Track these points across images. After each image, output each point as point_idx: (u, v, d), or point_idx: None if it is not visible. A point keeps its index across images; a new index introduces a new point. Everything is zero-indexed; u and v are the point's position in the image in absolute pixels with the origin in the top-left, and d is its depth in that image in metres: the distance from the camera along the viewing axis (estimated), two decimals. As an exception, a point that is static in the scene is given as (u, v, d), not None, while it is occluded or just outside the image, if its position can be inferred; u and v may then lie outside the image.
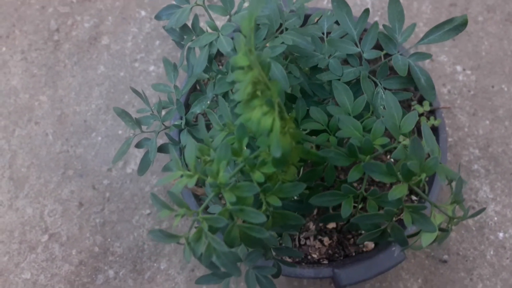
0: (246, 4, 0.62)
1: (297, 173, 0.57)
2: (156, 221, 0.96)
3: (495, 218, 0.94)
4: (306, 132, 0.65)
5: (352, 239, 0.86)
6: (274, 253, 0.64)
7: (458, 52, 1.07)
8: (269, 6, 0.59)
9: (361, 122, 0.59)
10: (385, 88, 0.64)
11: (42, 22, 1.14)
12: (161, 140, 1.00)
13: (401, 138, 0.58)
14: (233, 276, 0.55)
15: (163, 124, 0.70)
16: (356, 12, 1.08)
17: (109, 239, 0.95)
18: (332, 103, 0.67)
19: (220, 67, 0.96)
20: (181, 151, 0.70)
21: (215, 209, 0.61)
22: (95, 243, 0.95)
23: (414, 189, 0.55)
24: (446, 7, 1.12)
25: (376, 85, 0.64)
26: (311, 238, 0.86)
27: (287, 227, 0.56)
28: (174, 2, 0.63)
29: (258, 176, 0.50)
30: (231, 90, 0.63)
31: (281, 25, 0.64)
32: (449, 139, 0.99)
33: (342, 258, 0.85)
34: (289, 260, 0.83)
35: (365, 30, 0.65)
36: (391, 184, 0.88)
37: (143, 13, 1.14)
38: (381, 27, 0.65)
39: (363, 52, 0.64)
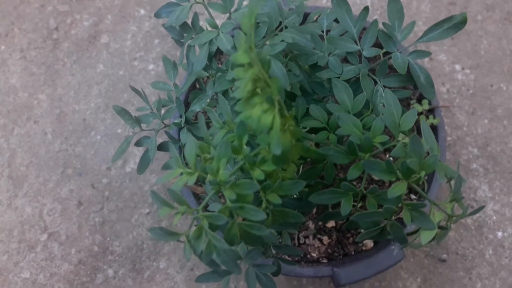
0: (246, 2, 0.62)
1: (296, 171, 0.57)
2: (155, 220, 0.96)
3: (494, 217, 0.94)
4: (306, 130, 0.65)
5: (352, 238, 0.86)
6: (274, 251, 0.64)
7: (457, 51, 1.07)
8: (269, 3, 0.59)
9: (361, 120, 0.59)
10: (384, 86, 0.64)
11: (41, 21, 1.14)
12: (161, 138, 1.00)
13: (400, 136, 0.58)
14: (233, 274, 0.55)
15: (162, 122, 0.70)
16: (356, 11, 1.08)
17: (108, 238, 0.95)
18: (331, 101, 0.67)
19: (220, 65, 0.96)
20: (181, 149, 0.70)
21: (215, 207, 0.61)
22: (94, 242, 0.95)
23: (414, 187, 0.55)
24: (445, 6, 1.12)
25: (375, 83, 0.64)
26: (311, 237, 0.86)
27: (286, 225, 0.56)
28: (173, 0, 0.63)
29: (258, 173, 0.50)
30: (231, 88, 0.63)
31: (280, 23, 0.64)
32: (448, 138, 1.00)
33: (341, 257, 0.85)
34: (288, 259, 0.83)
35: (364, 29, 0.65)
36: (390, 183, 0.88)
37: (142, 11, 1.14)
38: (380, 25, 0.65)
39: (362, 50, 0.64)
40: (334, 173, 0.60)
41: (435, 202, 0.56)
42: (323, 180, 0.61)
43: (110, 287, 0.92)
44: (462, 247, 0.92)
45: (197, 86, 0.95)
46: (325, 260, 0.84)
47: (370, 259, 0.79)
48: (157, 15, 0.63)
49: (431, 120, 0.90)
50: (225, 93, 0.62)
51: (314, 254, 0.85)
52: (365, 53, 0.64)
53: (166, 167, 0.67)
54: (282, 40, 0.61)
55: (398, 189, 0.52)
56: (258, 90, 0.47)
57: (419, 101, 0.94)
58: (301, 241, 0.86)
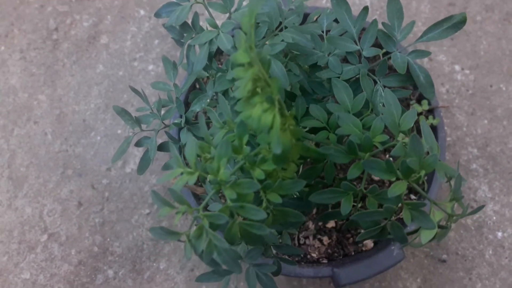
0: (246, 2, 0.62)
1: (296, 171, 0.57)
2: (155, 220, 0.96)
3: (494, 218, 0.94)
4: (306, 129, 0.65)
5: (352, 239, 0.86)
6: (274, 251, 0.64)
7: (457, 52, 1.07)
8: (269, 3, 0.59)
9: (361, 120, 0.59)
10: (384, 86, 0.64)
11: (41, 21, 1.14)
12: (160, 139, 1.00)
13: (400, 136, 0.58)
14: (234, 274, 0.55)
15: (162, 122, 0.70)
16: (355, 11, 1.08)
17: (108, 239, 0.95)
18: (331, 101, 0.67)
19: (220, 65, 0.96)
20: (181, 149, 0.70)
21: (215, 207, 0.61)
22: (95, 242, 0.95)
23: (414, 187, 0.55)
24: (444, 7, 1.12)
25: (375, 83, 0.64)
26: (311, 238, 0.86)
27: (287, 224, 0.56)
28: (173, 0, 0.63)
29: (258, 173, 0.50)
30: (231, 88, 0.63)
31: (280, 23, 0.64)
32: (448, 139, 1.00)
33: (341, 257, 0.85)
34: (288, 258, 0.83)
35: (363, 29, 0.65)
36: (390, 184, 0.88)
37: (142, 12, 1.15)
38: (380, 25, 0.65)
39: (362, 50, 0.65)
40: (334, 173, 0.60)
41: (435, 202, 0.56)
42: (323, 180, 0.61)
43: (110, 288, 0.92)
44: (462, 248, 0.92)
45: (197, 86, 0.95)
46: (325, 261, 0.84)
47: (370, 259, 0.79)
48: (157, 15, 0.63)
49: (430, 120, 0.90)
50: (225, 93, 0.63)
51: (314, 255, 0.85)
52: (364, 53, 0.64)
53: (166, 167, 0.67)
54: (282, 40, 0.61)
55: (398, 188, 0.52)
56: (258, 90, 0.47)
57: (419, 101, 0.94)
58: (301, 242, 0.86)
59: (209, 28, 0.62)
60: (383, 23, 0.63)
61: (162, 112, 0.70)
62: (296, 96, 0.64)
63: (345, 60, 0.67)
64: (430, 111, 0.92)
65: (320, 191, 0.57)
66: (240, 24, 0.48)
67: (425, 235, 0.54)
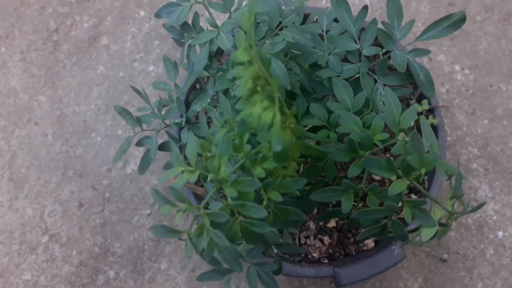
0: (246, 2, 0.63)
1: (297, 170, 0.57)
2: (156, 221, 0.96)
3: (495, 217, 0.94)
4: (306, 128, 0.65)
5: (352, 238, 0.86)
6: (275, 251, 0.64)
7: (457, 52, 1.08)
8: (269, 3, 0.60)
9: (361, 118, 0.59)
10: (384, 85, 0.64)
11: (41, 22, 1.14)
12: (161, 139, 1.00)
13: (400, 136, 0.58)
14: (235, 273, 0.55)
15: (163, 122, 0.70)
16: (355, 12, 1.08)
17: (109, 240, 0.95)
18: (332, 100, 0.67)
19: (220, 65, 0.96)
20: (182, 149, 0.70)
21: (216, 206, 0.61)
22: (96, 243, 0.95)
23: (414, 185, 0.55)
24: (444, 7, 1.12)
25: (375, 81, 0.64)
26: (311, 237, 0.86)
27: (288, 223, 0.56)
28: (174, 0, 0.63)
29: (259, 171, 0.50)
30: (231, 87, 0.63)
31: (280, 22, 0.65)
32: (448, 138, 1.00)
33: (342, 257, 0.85)
34: (289, 258, 0.83)
35: (363, 29, 0.66)
36: (390, 183, 0.88)
37: (142, 13, 1.15)
38: (380, 25, 0.65)
39: (362, 49, 0.65)
40: (335, 171, 0.60)
41: (435, 200, 0.56)
42: (323, 178, 0.61)
43: (111, 288, 0.92)
44: (463, 247, 0.92)
45: (197, 87, 0.95)
46: (326, 260, 0.84)
47: (371, 259, 0.79)
48: (157, 15, 0.63)
49: (431, 120, 0.91)
50: (225, 92, 0.63)
51: (315, 254, 0.85)
52: (364, 52, 0.65)
53: (167, 166, 0.67)
54: (283, 39, 0.61)
55: (399, 186, 0.52)
56: (259, 88, 0.47)
57: (419, 101, 0.94)
58: (302, 242, 0.86)
59: (209, 28, 0.62)
60: (382, 22, 0.63)
61: (163, 112, 0.70)
62: (297, 95, 0.64)
63: (345, 59, 0.67)
64: (430, 111, 0.92)
65: (321, 189, 0.57)
66: (240, 24, 0.48)
67: (426, 233, 0.54)
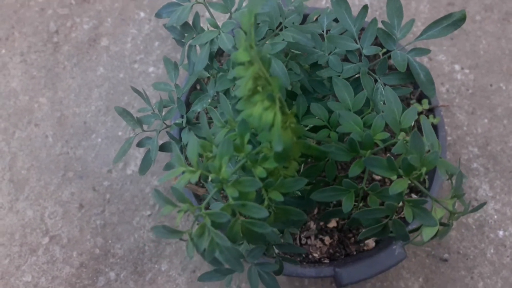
0: (246, 2, 0.63)
1: (297, 170, 0.57)
2: (156, 222, 0.96)
3: (495, 216, 0.94)
4: (307, 128, 0.65)
5: (353, 238, 0.86)
6: (276, 251, 0.64)
7: (456, 51, 1.08)
8: (269, 3, 0.60)
9: (362, 118, 0.59)
10: (384, 84, 0.64)
11: (41, 24, 1.14)
12: (161, 140, 1.00)
13: (400, 135, 0.58)
14: (236, 273, 0.55)
15: (164, 123, 0.70)
16: (354, 12, 1.08)
17: (109, 241, 0.95)
18: (332, 99, 0.67)
19: (220, 66, 0.96)
20: (182, 149, 0.70)
21: (216, 206, 0.61)
22: (96, 245, 0.95)
23: (415, 184, 0.55)
24: (444, 6, 1.12)
25: (375, 81, 0.64)
26: (312, 238, 0.86)
27: (289, 223, 0.56)
28: (174, 0, 0.63)
29: (260, 171, 0.50)
30: (232, 87, 0.63)
31: (280, 23, 0.65)
32: (448, 138, 1.00)
33: (343, 257, 0.85)
34: (291, 258, 0.83)
35: (362, 29, 0.66)
36: (391, 183, 0.88)
37: (142, 14, 1.15)
38: (380, 24, 0.65)
39: (362, 49, 0.65)
40: (336, 171, 0.60)
41: (436, 199, 0.56)
42: (324, 178, 0.61)
43: (112, 290, 0.92)
44: (464, 247, 0.92)
45: (198, 87, 0.95)
46: (327, 261, 0.84)
47: (372, 258, 0.79)
48: (158, 15, 0.63)
49: (431, 119, 0.91)
50: (226, 92, 0.63)
51: (316, 255, 0.85)
52: (365, 52, 0.65)
53: (168, 167, 0.67)
54: (283, 39, 0.61)
55: (400, 185, 0.53)
56: (259, 88, 0.47)
57: (419, 101, 0.94)
58: (303, 242, 0.86)
59: (210, 28, 0.62)
60: (383, 22, 0.63)
61: (164, 112, 0.70)
62: (297, 95, 0.64)
63: (345, 59, 0.67)
64: (431, 111, 0.92)
65: (322, 189, 0.57)
66: (240, 24, 0.48)
67: (427, 233, 0.54)
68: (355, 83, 0.64)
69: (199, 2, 0.62)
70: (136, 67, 1.09)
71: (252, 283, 0.58)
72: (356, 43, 0.65)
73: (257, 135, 0.51)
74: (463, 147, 0.99)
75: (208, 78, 0.90)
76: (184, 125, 0.69)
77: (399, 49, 0.64)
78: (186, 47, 0.65)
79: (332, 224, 0.87)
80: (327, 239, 0.86)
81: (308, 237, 0.86)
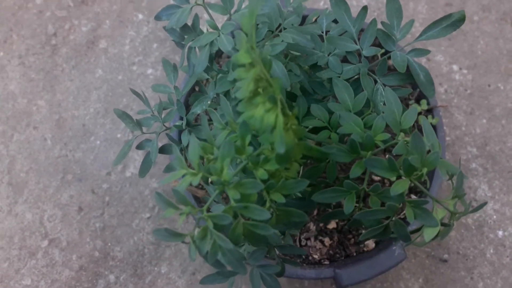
0: (245, 4, 0.63)
1: (297, 172, 0.57)
2: (156, 224, 0.96)
3: (494, 217, 0.94)
4: (307, 129, 0.65)
5: (353, 239, 0.86)
6: (277, 252, 0.64)
7: (454, 52, 1.08)
8: (269, 4, 0.60)
9: (362, 119, 0.59)
10: (384, 85, 0.64)
11: (39, 27, 1.14)
12: (160, 142, 1.00)
13: (400, 136, 0.58)
14: (239, 274, 0.55)
15: (163, 125, 0.70)
16: (353, 12, 1.08)
17: (109, 244, 0.95)
18: (332, 100, 0.67)
19: (220, 68, 0.96)
20: (182, 151, 0.70)
21: (217, 208, 0.61)
22: (95, 247, 0.95)
23: (415, 185, 0.55)
24: (441, 7, 1.12)
25: (375, 82, 0.65)
26: (312, 239, 0.86)
27: (290, 224, 0.56)
28: (173, 3, 0.63)
29: (261, 173, 0.50)
30: (232, 89, 0.63)
31: (279, 24, 0.65)
32: (447, 138, 1.00)
33: (343, 258, 0.85)
34: (292, 259, 0.83)
35: (362, 30, 0.66)
36: (391, 184, 0.88)
37: (140, 16, 1.15)
38: (379, 25, 0.65)
39: (362, 50, 0.65)
40: (336, 172, 0.60)
41: (437, 199, 0.56)
42: (325, 179, 0.61)
43: (111, 292, 0.91)
44: (463, 247, 0.92)
45: (197, 89, 0.95)
46: (326, 262, 0.84)
47: (371, 259, 0.79)
48: (157, 17, 0.63)
49: (429, 120, 0.91)
50: (226, 94, 0.63)
51: (315, 256, 0.85)
52: (364, 52, 0.65)
53: (168, 169, 0.67)
54: (282, 41, 0.61)
55: (401, 186, 0.53)
56: (260, 90, 0.47)
57: (418, 101, 0.94)
58: (303, 243, 0.86)
59: (210, 30, 0.62)
60: (382, 22, 0.64)
61: (163, 114, 0.70)
62: (297, 96, 0.64)
63: (345, 60, 0.67)
64: (429, 111, 0.93)
65: (323, 190, 0.57)
66: (240, 26, 0.48)
67: (428, 233, 0.54)
68: (355, 84, 0.64)
69: (199, 4, 0.62)
70: (135, 69, 1.09)
71: (254, 285, 0.58)
72: (356, 44, 0.65)
73: (257, 136, 0.51)
74: (461, 148, 0.99)
75: (207, 80, 0.90)
76: (184, 127, 0.69)
77: (399, 50, 0.64)
78: (186, 49, 0.65)
79: (332, 225, 0.87)
80: (327, 240, 0.86)
81: (308, 239, 0.86)
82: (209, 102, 0.68)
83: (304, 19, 0.74)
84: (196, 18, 0.65)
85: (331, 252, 0.85)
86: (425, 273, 0.90)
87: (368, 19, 1.10)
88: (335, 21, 0.68)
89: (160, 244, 0.94)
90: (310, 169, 0.59)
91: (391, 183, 0.88)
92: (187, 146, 0.67)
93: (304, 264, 0.84)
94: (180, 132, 0.71)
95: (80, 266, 0.93)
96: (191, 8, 0.61)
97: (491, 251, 0.92)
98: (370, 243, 0.86)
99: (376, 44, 0.67)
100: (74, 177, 1.00)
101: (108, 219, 0.96)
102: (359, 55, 0.66)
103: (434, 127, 0.89)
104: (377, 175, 0.89)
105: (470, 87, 1.05)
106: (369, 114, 0.61)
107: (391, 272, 0.91)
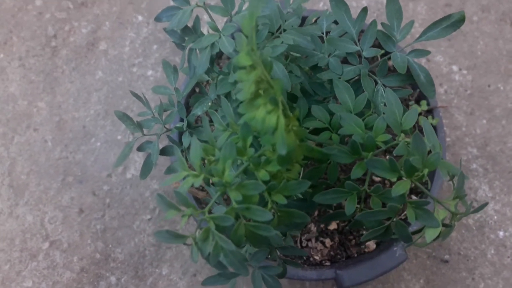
0: (246, 5, 0.63)
1: (299, 173, 0.57)
2: (157, 226, 0.96)
3: (495, 217, 0.94)
4: (308, 130, 0.65)
5: (354, 240, 0.86)
6: (279, 253, 0.64)
7: (454, 52, 1.08)
8: (269, 6, 0.60)
9: (363, 120, 0.60)
10: (384, 86, 0.64)
11: (39, 28, 1.14)
12: (160, 144, 1.00)
13: (401, 137, 0.58)
14: (240, 276, 0.55)
15: (164, 126, 0.70)
16: (353, 14, 1.08)
17: (110, 245, 0.95)
18: (333, 102, 0.67)
19: (220, 69, 0.96)
20: (183, 153, 0.70)
21: (218, 210, 0.61)
22: (96, 249, 0.95)
23: (416, 185, 0.55)
24: (441, 7, 1.13)
25: (375, 83, 0.65)
26: (313, 240, 0.86)
27: (292, 225, 0.56)
28: (173, 4, 0.63)
29: (263, 174, 0.50)
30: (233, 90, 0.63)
31: (280, 25, 0.65)
32: (447, 139, 1.00)
33: (344, 259, 0.85)
34: (294, 260, 0.83)
35: (362, 31, 0.66)
36: (391, 185, 0.88)
37: (140, 18, 1.15)
38: (379, 26, 0.65)
39: (362, 51, 0.65)
40: (338, 173, 0.60)
41: (438, 200, 0.56)
42: (326, 180, 0.62)
43: (113, 294, 0.91)
44: (464, 248, 0.92)
45: (197, 90, 0.95)
46: (328, 263, 0.84)
47: (373, 260, 0.79)
48: (157, 19, 0.63)
49: (430, 120, 0.91)
50: (227, 95, 0.63)
51: (317, 257, 0.85)
52: (365, 54, 0.65)
53: (169, 171, 0.67)
54: (282, 42, 0.61)
55: (402, 187, 0.53)
56: (261, 92, 0.47)
57: (418, 102, 0.94)
58: (304, 244, 0.86)
59: (210, 32, 0.62)
60: (382, 24, 0.64)
61: (164, 116, 0.70)
62: (298, 98, 0.64)
63: (345, 61, 0.67)
64: (429, 112, 0.93)
65: (324, 191, 0.57)
66: (240, 27, 0.48)
67: (430, 234, 0.54)
68: (356, 85, 0.64)
69: (199, 6, 0.62)
70: (135, 71, 1.09)
71: (255, 287, 0.58)
72: (356, 45, 0.65)
73: (259, 138, 0.51)
74: (462, 148, 1.00)
75: (208, 81, 0.90)
76: (184, 128, 0.69)
77: (399, 51, 0.64)
78: (186, 51, 0.65)
79: (333, 226, 0.87)
80: (327, 241, 0.86)
81: (309, 240, 0.86)
82: (209, 104, 0.68)
83: (303, 20, 0.74)
84: (197, 19, 0.65)
85: (332, 253, 0.85)
86: (426, 273, 0.90)
87: (367, 20, 1.10)
88: (335, 22, 0.68)
89: (161, 246, 0.94)
90: (311, 170, 0.59)
91: (392, 184, 0.88)
92: (188, 147, 0.67)
93: (305, 265, 0.84)
94: (180, 133, 0.71)
95: (81, 268, 0.93)
96: (192, 9, 0.61)
97: (492, 251, 0.92)
98: (371, 244, 0.86)
99: (376, 45, 0.67)
100: (75, 179, 1.00)
101: (109, 221, 0.96)
102: (359, 56, 0.66)
103: (434, 127, 0.89)
104: (378, 176, 0.89)
105: (470, 87, 1.05)
106: (370, 115, 0.61)
107: (392, 273, 0.91)
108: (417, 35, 0.75)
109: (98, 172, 1.00)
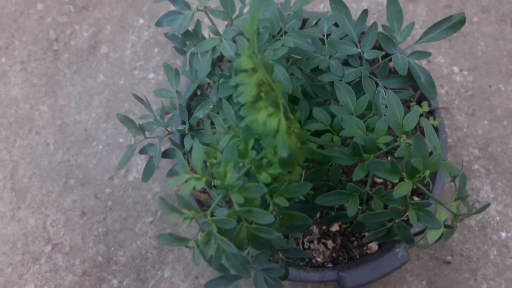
0: (247, 9, 0.63)
1: (300, 175, 0.57)
2: (159, 228, 0.96)
3: (497, 218, 0.94)
4: (310, 133, 0.65)
5: (356, 242, 0.86)
6: (281, 255, 0.64)
7: (455, 53, 1.08)
8: (270, 9, 0.60)
9: (364, 122, 0.60)
10: (385, 88, 0.65)
11: (41, 32, 1.15)
12: (162, 147, 1.00)
13: (402, 139, 0.59)
14: (242, 278, 0.55)
15: (166, 129, 0.70)
16: (353, 16, 1.09)
17: (112, 248, 0.95)
18: (334, 104, 0.67)
19: (221, 72, 0.96)
20: (185, 156, 0.70)
21: (220, 212, 0.62)
22: (99, 252, 0.95)
23: (418, 187, 0.55)
24: (441, 9, 1.13)
25: (376, 84, 0.65)
26: (315, 242, 0.86)
27: (294, 227, 0.56)
28: (174, 9, 0.63)
29: (264, 177, 0.50)
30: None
31: (280, 28, 0.65)
32: (449, 140, 1.00)
33: (346, 261, 0.85)
34: (296, 262, 0.83)
35: (362, 33, 0.66)
36: (393, 186, 0.88)
37: (141, 21, 1.15)
38: (380, 28, 0.66)
39: (363, 53, 0.65)
40: (339, 175, 0.60)
41: (440, 201, 0.56)
42: (327, 182, 0.62)
43: (115, 297, 0.92)
44: (467, 249, 0.92)
45: (198, 93, 0.96)
46: (330, 265, 0.84)
47: (375, 262, 0.79)
48: (158, 23, 0.64)
49: (431, 121, 0.91)
50: (229, 98, 0.63)
51: (319, 259, 0.85)
52: (365, 56, 0.65)
53: (171, 173, 0.67)
54: (283, 45, 0.61)
55: (404, 188, 0.53)
56: (262, 95, 0.47)
57: (419, 103, 0.94)
58: (306, 246, 0.86)
59: (211, 35, 0.62)
60: (383, 25, 0.64)
61: (165, 119, 0.70)
62: (299, 100, 0.64)
63: (346, 63, 0.67)
64: (430, 113, 0.93)
65: (326, 193, 0.57)
66: (241, 31, 0.48)
67: (432, 235, 0.54)
68: (357, 87, 0.65)
69: (200, 10, 0.62)
70: (136, 74, 1.10)
71: (258, 289, 0.58)
72: (357, 47, 0.65)
73: (260, 140, 0.52)
74: (463, 149, 1.00)
75: (209, 84, 0.90)
76: (186, 131, 0.69)
77: (399, 53, 0.64)
78: (188, 55, 0.65)
79: (335, 228, 0.87)
80: (330, 243, 0.86)
81: (311, 242, 0.86)
82: (211, 107, 0.68)
83: (304, 22, 0.74)
84: (198, 24, 0.65)
85: (334, 255, 0.85)
86: (429, 275, 0.90)
87: (368, 22, 1.11)
88: (336, 25, 0.69)
89: (163, 248, 0.95)
90: (313, 172, 0.59)
91: (393, 185, 0.88)
92: (190, 150, 0.67)
93: (308, 267, 0.84)
94: (182, 136, 0.71)
95: (84, 270, 0.93)
96: (193, 14, 0.61)
97: (495, 252, 0.92)
98: (373, 246, 0.86)
99: (377, 47, 0.67)
100: (77, 182, 1.00)
101: (111, 224, 0.97)
102: (360, 58, 0.66)
103: (435, 128, 0.89)
104: (379, 178, 0.89)
105: (471, 88, 1.05)
106: (371, 117, 0.62)
107: (395, 275, 0.91)
108: (418, 37, 0.76)
109: (100, 175, 1.01)
